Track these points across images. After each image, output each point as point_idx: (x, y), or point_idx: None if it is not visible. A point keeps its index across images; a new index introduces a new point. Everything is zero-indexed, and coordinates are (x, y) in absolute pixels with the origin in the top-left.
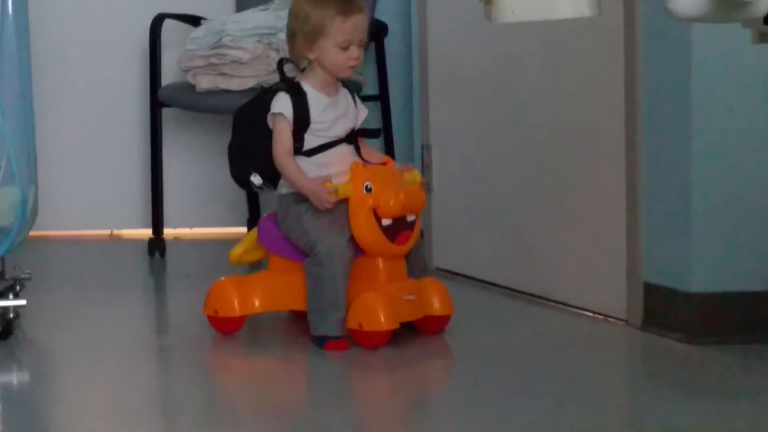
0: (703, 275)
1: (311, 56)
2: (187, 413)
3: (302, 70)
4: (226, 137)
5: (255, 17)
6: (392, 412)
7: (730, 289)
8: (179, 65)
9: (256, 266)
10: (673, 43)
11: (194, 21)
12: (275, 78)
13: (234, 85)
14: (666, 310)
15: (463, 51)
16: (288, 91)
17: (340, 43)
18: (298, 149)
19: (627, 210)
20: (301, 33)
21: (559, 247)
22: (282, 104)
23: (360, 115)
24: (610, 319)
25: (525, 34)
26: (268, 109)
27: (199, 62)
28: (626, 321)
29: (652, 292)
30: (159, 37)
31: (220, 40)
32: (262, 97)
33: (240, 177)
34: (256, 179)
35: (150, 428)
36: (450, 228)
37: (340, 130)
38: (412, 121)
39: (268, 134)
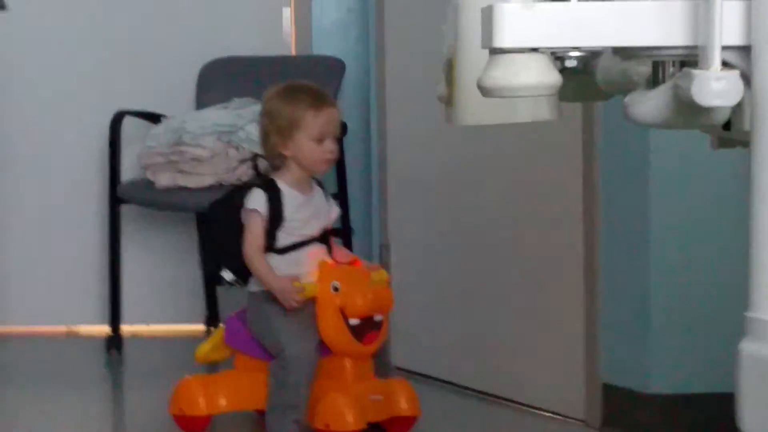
0: (662, 377)
1: (286, 152)
2: None
3: (275, 168)
4: (184, 234)
5: (215, 115)
6: None
7: (689, 390)
8: (139, 162)
9: (211, 367)
10: (632, 146)
11: (154, 118)
12: (235, 176)
13: (193, 182)
14: (625, 411)
15: (423, 151)
16: (263, 187)
17: (315, 136)
18: (270, 246)
19: (585, 311)
20: (275, 129)
21: (518, 347)
22: (256, 201)
23: (332, 213)
24: (569, 419)
25: (485, 136)
26: (242, 204)
27: (159, 159)
28: (585, 422)
29: (611, 393)
30: (119, 133)
31: (180, 137)
32: (236, 192)
33: (211, 272)
34: (227, 275)
35: None
36: (409, 327)
37: (314, 228)
38: (370, 220)
39: (241, 230)
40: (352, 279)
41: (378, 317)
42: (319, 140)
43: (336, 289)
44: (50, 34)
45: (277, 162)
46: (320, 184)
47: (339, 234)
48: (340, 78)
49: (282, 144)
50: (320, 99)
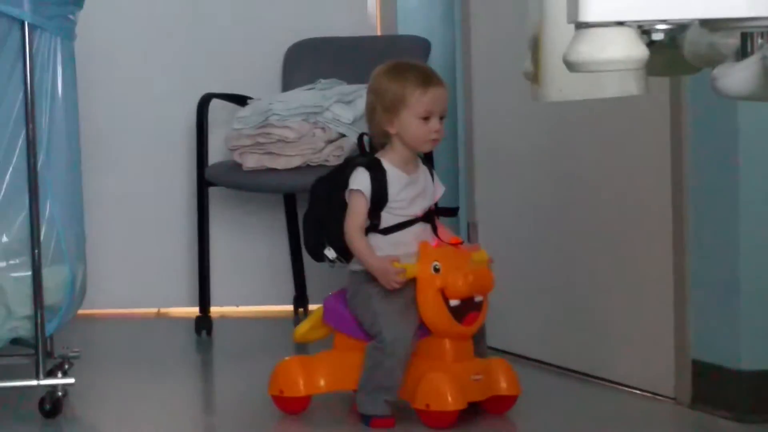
0: (752, 353)
1: (392, 130)
2: None
3: (380, 147)
4: (272, 215)
5: (301, 96)
6: None
7: None
8: (226, 144)
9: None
10: (720, 122)
11: (241, 101)
12: (321, 156)
13: (280, 164)
14: (715, 388)
15: (510, 129)
16: (367, 167)
17: (420, 114)
18: (374, 227)
19: (675, 287)
20: (381, 107)
21: (608, 325)
22: (361, 180)
23: (437, 192)
24: (658, 397)
25: (571, 112)
26: (346, 183)
27: (246, 141)
28: (675, 399)
29: (700, 369)
30: (206, 116)
31: (267, 119)
32: (342, 169)
33: (314, 249)
34: (330, 253)
35: None
36: (498, 306)
37: (418, 208)
38: (458, 198)
39: (344, 208)
40: (453, 260)
41: (478, 298)
42: (425, 118)
43: (437, 270)
44: (136, 18)
45: (383, 140)
46: (426, 163)
47: (444, 214)
48: (426, 58)
49: (388, 121)
50: (428, 77)
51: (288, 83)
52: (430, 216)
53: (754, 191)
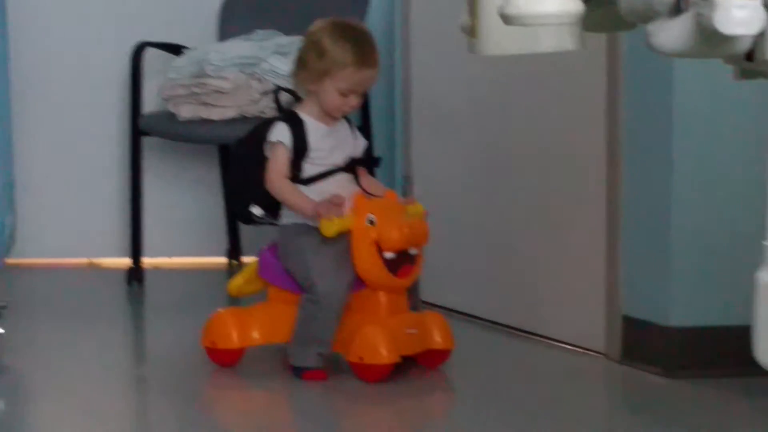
0: (682, 309)
1: (312, 88)
2: None
3: (298, 100)
4: (206, 166)
5: (238, 47)
6: None
7: (708, 323)
8: (160, 94)
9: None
10: (656, 78)
11: (176, 50)
12: (257, 108)
13: (215, 114)
14: (644, 344)
15: (447, 82)
16: (286, 120)
17: (343, 90)
18: (296, 177)
19: (607, 245)
20: (311, 66)
21: (539, 280)
22: (280, 133)
23: (358, 145)
24: (589, 352)
25: (508, 65)
26: (266, 139)
27: (181, 91)
28: (605, 354)
29: (630, 325)
30: (140, 65)
31: (202, 69)
32: (260, 129)
33: (240, 210)
34: (256, 210)
35: None
36: (431, 260)
37: (339, 158)
38: (394, 152)
39: (266, 164)
40: (388, 212)
41: (413, 251)
42: (345, 95)
43: (372, 223)
44: None
45: (304, 90)
46: (346, 117)
47: (365, 164)
48: (365, 10)
49: (311, 80)
50: (366, 57)
51: (224, 33)
52: (351, 166)
53: (687, 148)
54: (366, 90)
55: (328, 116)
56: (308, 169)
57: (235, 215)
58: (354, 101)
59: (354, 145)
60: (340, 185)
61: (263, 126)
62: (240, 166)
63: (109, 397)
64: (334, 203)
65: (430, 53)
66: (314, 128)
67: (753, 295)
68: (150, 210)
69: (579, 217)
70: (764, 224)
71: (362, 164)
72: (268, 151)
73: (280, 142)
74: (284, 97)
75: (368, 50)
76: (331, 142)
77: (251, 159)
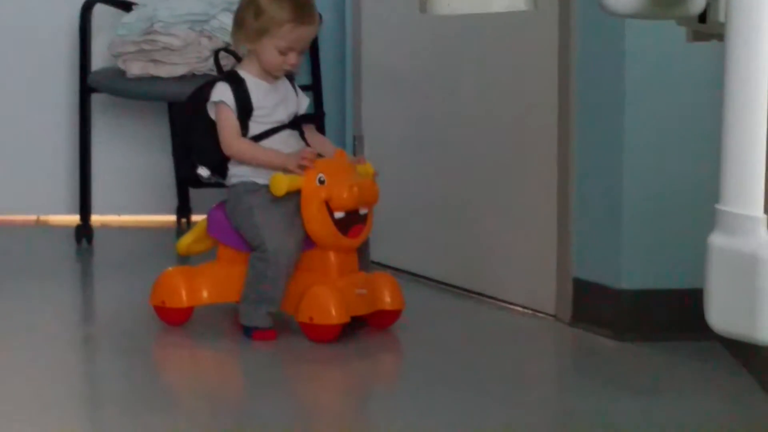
0: (632, 272)
1: (250, 47)
2: (116, 402)
3: (239, 59)
4: (156, 124)
5: (187, 4)
6: (341, 404)
7: (658, 286)
8: (109, 51)
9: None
10: (608, 43)
11: (125, 6)
12: (207, 66)
13: (165, 71)
14: (595, 306)
15: (397, 42)
16: (226, 80)
17: (281, 48)
18: (242, 136)
19: (558, 207)
20: (249, 25)
21: (490, 242)
22: (222, 93)
23: (301, 102)
24: (539, 314)
25: (459, 27)
26: (208, 101)
27: (130, 48)
28: (555, 316)
29: (581, 288)
30: (89, 22)
31: (152, 26)
32: (201, 90)
33: (187, 173)
34: (204, 171)
35: (76, 416)
36: (381, 221)
37: (283, 115)
38: (344, 112)
39: (210, 126)
40: (338, 172)
41: (363, 210)
42: (284, 53)
43: (321, 182)
44: None
45: (242, 51)
46: (288, 75)
47: (311, 120)
48: None
49: (248, 38)
50: (303, 14)
51: None
52: (296, 123)
53: (637, 113)
54: (305, 47)
55: (269, 75)
56: (253, 128)
57: (183, 179)
58: (293, 59)
59: (297, 102)
60: (286, 143)
61: (204, 87)
62: (184, 129)
63: (56, 355)
64: (304, 156)
65: (381, 13)
66: (255, 86)
67: (705, 259)
68: (99, 167)
69: (530, 179)
70: (717, 188)
71: (307, 120)
72: (211, 112)
73: (223, 102)
74: (223, 60)
75: (306, 7)
76: (273, 99)
77: (195, 121)
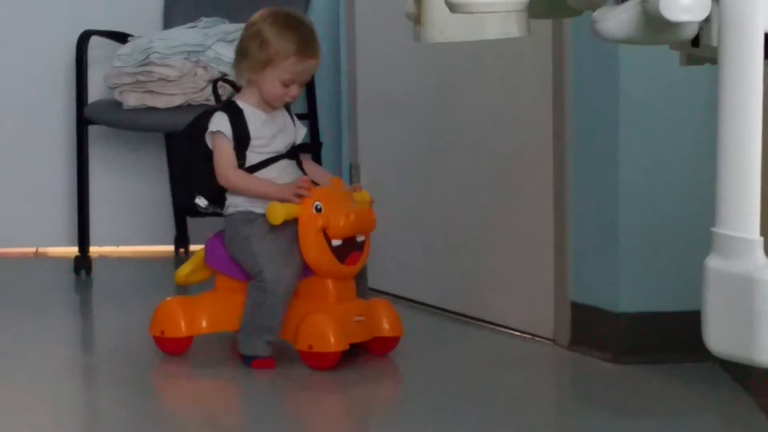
0: (629, 295)
1: (252, 78)
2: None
3: (238, 90)
4: (153, 155)
5: (183, 35)
6: (341, 431)
7: (656, 309)
8: (106, 82)
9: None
10: (602, 65)
11: (121, 38)
12: (203, 96)
13: (161, 102)
14: (593, 330)
15: (393, 70)
16: (224, 110)
17: (284, 80)
18: (240, 167)
19: (555, 230)
20: (253, 56)
21: (488, 267)
22: (219, 123)
23: (298, 132)
24: (537, 338)
25: (455, 53)
26: (206, 130)
27: (126, 79)
28: (554, 340)
29: (579, 311)
30: (85, 53)
31: (148, 57)
32: (199, 120)
33: (185, 202)
34: (201, 201)
35: None
36: (379, 248)
37: (280, 145)
38: (340, 141)
39: (208, 155)
40: (335, 200)
41: (360, 238)
42: (287, 85)
43: (318, 210)
44: None
45: (241, 82)
46: (285, 105)
47: (308, 149)
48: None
49: (252, 69)
50: (307, 48)
51: (169, 21)
52: (294, 152)
53: (633, 135)
54: (307, 79)
55: (268, 105)
56: (251, 158)
57: (181, 208)
58: (295, 91)
59: (295, 131)
60: (284, 172)
61: (202, 117)
62: (182, 158)
63: (56, 386)
64: (299, 185)
65: (376, 41)
66: (253, 116)
67: (702, 282)
68: (97, 199)
69: (526, 204)
70: (712, 211)
71: (304, 150)
72: (209, 142)
73: (221, 132)
74: (222, 90)
75: (311, 41)
76: (271, 129)
77: (193, 151)
